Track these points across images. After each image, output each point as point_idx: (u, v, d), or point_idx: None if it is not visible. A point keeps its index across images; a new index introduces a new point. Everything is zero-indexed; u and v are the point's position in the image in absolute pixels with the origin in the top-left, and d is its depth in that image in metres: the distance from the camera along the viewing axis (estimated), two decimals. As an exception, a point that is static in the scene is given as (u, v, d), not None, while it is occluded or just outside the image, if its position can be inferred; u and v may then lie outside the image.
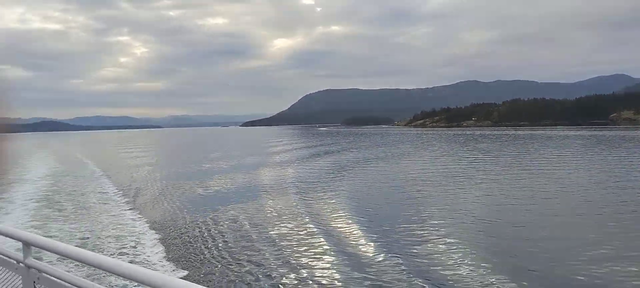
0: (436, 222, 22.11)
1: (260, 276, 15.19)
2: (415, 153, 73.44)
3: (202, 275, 15.53)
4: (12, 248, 3.95)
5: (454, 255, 16.74)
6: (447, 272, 15.07)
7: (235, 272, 15.70)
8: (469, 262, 15.88)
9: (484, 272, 14.85)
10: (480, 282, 14.04)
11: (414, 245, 18.14)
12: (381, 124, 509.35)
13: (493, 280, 14.14)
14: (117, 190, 35.57)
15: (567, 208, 25.73)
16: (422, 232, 20.24)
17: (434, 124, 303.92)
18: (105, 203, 29.81)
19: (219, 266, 16.44)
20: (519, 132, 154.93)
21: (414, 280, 14.30)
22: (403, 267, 15.52)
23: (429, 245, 18.25)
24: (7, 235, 3.94)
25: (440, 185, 34.48)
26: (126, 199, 31.28)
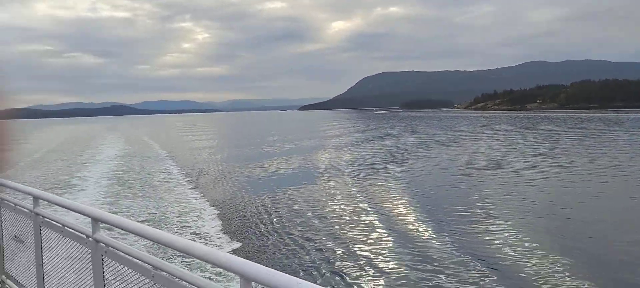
0: (487, 204, 22.14)
1: (312, 250, 16.03)
2: (471, 137, 72.10)
3: (255, 248, 16.58)
4: (84, 223, 4.30)
5: (501, 235, 16.90)
6: (494, 251, 15.33)
7: (288, 246, 16.63)
8: (516, 242, 16.03)
9: (532, 252, 15.00)
10: (527, 261, 14.24)
11: (463, 225, 18.42)
12: (440, 107, 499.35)
13: (535, 262, 14.30)
14: (180, 171, 37.58)
15: (624, 193, 24.94)
16: (471, 214, 20.41)
17: (496, 107, 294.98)
18: (169, 182, 31.73)
19: (272, 240, 17.47)
20: (587, 115, 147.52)
21: (461, 258, 14.62)
22: (450, 245, 15.86)
23: (480, 226, 18.41)
24: (78, 212, 4.32)
25: (494, 169, 34.08)
26: (189, 179, 33.10)
